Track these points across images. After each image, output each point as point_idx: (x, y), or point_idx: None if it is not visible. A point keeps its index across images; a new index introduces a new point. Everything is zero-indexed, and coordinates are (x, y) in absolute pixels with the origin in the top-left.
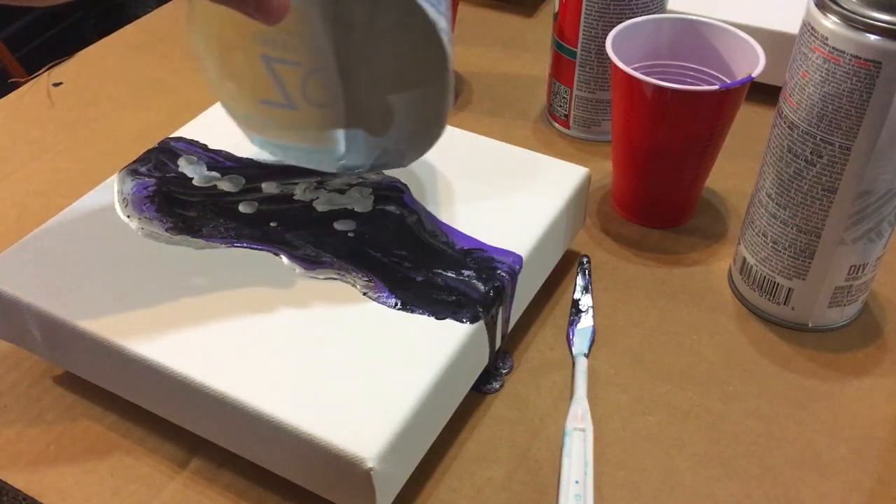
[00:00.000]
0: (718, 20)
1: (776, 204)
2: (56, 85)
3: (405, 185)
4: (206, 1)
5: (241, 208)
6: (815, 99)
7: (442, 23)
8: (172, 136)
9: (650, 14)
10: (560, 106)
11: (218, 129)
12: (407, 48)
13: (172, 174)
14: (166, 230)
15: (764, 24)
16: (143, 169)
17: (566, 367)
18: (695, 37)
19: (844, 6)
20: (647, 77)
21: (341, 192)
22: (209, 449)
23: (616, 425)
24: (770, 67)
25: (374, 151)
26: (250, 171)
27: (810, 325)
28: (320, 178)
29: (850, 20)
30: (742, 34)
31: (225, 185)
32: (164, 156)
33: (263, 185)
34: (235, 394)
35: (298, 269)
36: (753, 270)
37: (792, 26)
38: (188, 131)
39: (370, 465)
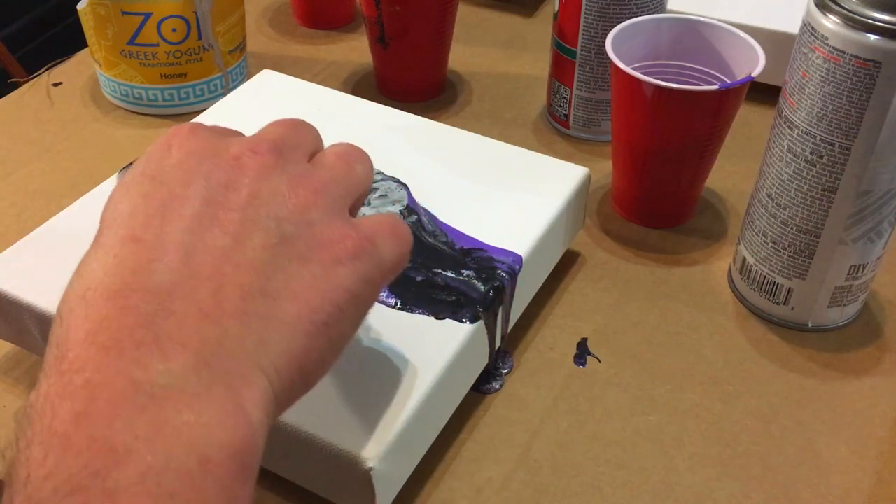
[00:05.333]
0: (718, 20)
1: (776, 204)
2: (56, 85)
3: (405, 185)
4: None
5: None
6: (815, 99)
7: None
8: None
9: (650, 14)
10: (560, 106)
11: None
12: None
13: None
14: None
15: (764, 24)
16: None
17: (566, 367)
18: (695, 37)
19: (844, 6)
20: (647, 77)
21: None
22: None
23: (616, 425)
24: (770, 67)
25: None
26: None
27: (810, 325)
28: None
29: (850, 20)
30: (742, 34)
31: None
32: None
33: None
34: None
35: None
36: (753, 270)
37: (792, 26)
38: None
39: (370, 465)
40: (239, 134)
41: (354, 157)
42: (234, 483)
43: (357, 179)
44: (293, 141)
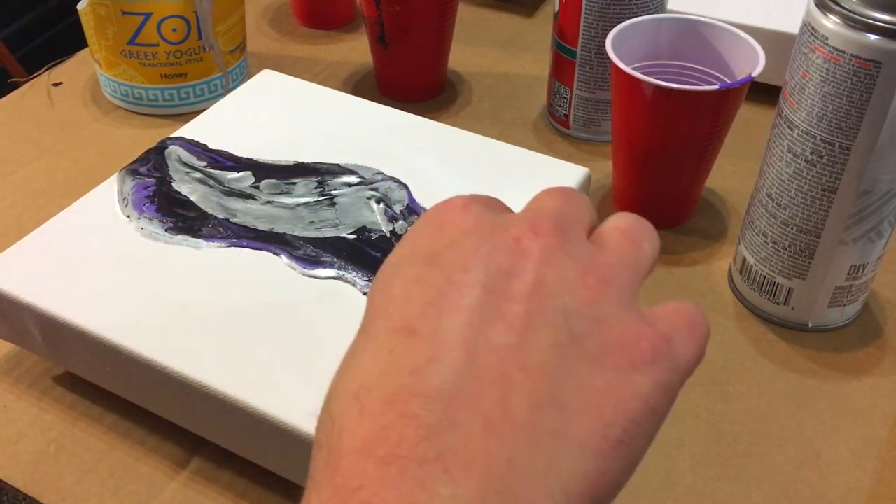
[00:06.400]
0: (718, 20)
1: (776, 204)
2: (56, 85)
3: (405, 185)
4: None
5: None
6: (815, 99)
7: None
8: (172, 135)
9: (650, 14)
10: (560, 106)
11: (218, 129)
12: None
13: (170, 178)
14: (166, 230)
15: (764, 24)
16: (143, 169)
17: None
18: (695, 37)
19: (844, 6)
20: (647, 77)
21: (341, 191)
22: (209, 449)
23: None
24: (770, 67)
25: None
26: (249, 170)
27: (810, 325)
28: (320, 178)
29: (850, 20)
30: (742, 34)
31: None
32: (163, 156)
33: (262, 185)
34: (235, 394)
35: (298, 269)
36: (753, 270)
37: (792, 26)
38: (188, 131)
39: None
40: (508, 208)
41: (641, 233)
42: None
43: (646, 262)
44: (572, 216)
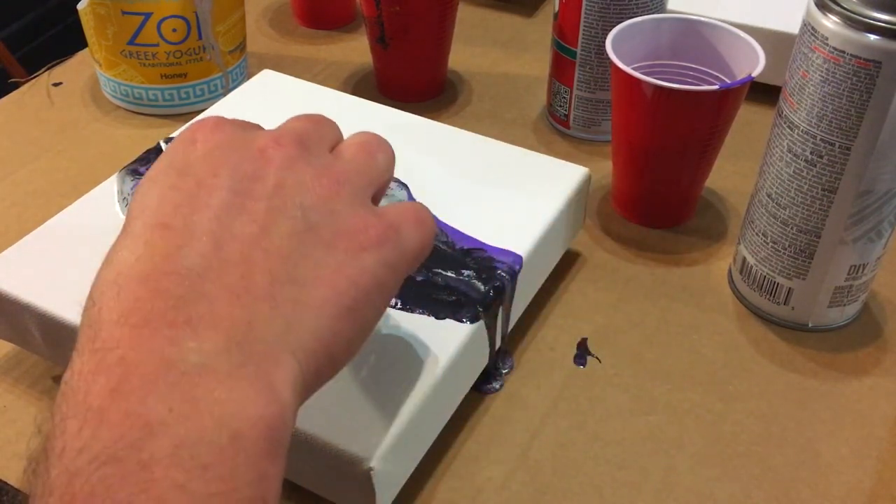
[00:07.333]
0: (718, 20)
1: (776, 204)
2: (56, 85)
3: (405, 185)
4: None
5: None
6: (815, 99)
7: None
8: (172, 135)
9: (650, 14)
10: (560, 106)
11: None
12: None
13: None
14: None
15: (764, 24)
16: (142, 169)
17: (566, 367)
18: (695, 37)
19: (844, 6)
20: (647, 77)
21: None
22: None
23: (616, 425)
24: (770, 67)
25: None
26: None
27: (810, 325)
28: None
29: (850, 20)
30: (742, 34)
31: None
32: None
33: None
34: None
35: None
36: (753, 270)
37: (792, 26)
38: None
39: (370, 464)
40: (260, 127)
41: (375, 146)
42: (264, 459)
43: (379, 169)
44: (316, 134)
